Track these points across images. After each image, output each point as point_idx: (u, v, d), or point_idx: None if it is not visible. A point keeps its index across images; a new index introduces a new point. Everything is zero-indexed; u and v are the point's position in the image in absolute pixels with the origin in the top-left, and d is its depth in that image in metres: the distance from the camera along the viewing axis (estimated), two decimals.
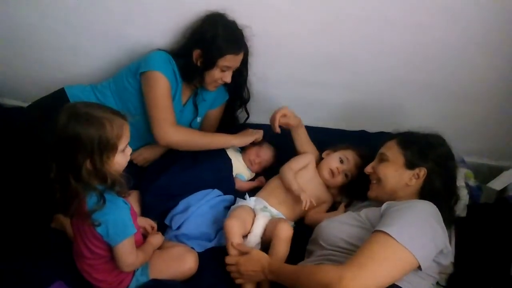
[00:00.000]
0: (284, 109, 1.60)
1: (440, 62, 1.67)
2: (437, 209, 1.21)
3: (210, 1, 1.57)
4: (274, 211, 1.50)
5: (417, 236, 1.11)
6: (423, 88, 1.77)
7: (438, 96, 1.78)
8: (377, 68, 1.73)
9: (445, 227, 1.20)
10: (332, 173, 1.58)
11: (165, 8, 1.63)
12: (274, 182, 1.59)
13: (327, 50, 1.70)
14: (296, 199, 1.50)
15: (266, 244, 1.41)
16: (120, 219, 1.16)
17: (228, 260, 1.35)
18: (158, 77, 1.53)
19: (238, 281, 1.32)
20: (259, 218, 1.45)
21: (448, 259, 1.21)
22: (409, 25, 1.57)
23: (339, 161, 1.59)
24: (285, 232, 1.35)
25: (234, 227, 1.38)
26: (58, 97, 1.62)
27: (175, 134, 1.55)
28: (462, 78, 1.71)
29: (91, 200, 1.13)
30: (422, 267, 1.09)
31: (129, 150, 1.18)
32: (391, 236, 1.07)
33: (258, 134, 1.72)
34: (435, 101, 1.80)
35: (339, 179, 1.59)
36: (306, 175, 1.59)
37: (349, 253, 1.21)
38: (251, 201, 1.52)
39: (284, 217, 1.50)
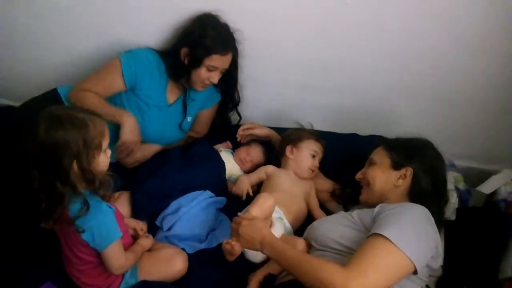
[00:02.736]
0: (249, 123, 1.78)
1: (432, 68, 1.68)
2: (429, 212, 1.23)
3: (205, 4, 1.58)
4: (287, 224, 1.48)
5: (414, 241, 1.12)
6: (414, 93, 1.78)
7: (429, 101, 1.80)
8: (370, 73, 1.74)
9: (437, 230, 1.21)
10: (312, 171, 1.64)
11: (160, 10, 1.63)
12: (274, 195, 1.54)
13: (321, 54, 1.71)
14: (297, 206, 1.54)
15: None
16: (104, 224, 1.16)
17: (235, 218, 1.30)
18: (114, 61, 1.57)
19: (233, 238, 1.27)
20: (277, 227, 1.43)
21: (438, 263, 1.23)
22: (402, 32, 1.58)
23: (311, 158, 1.63)
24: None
25: (267, 201, 1.34)
26: (51, 97, 1.61)
27: (74, 91, 1.58)
28: (453, 84, 1.72)
29: (74, 207, 1.12)
30: (418, 272, 1.11)
31: (109, 151, 1.18)
32: (391, 241, 1.08)
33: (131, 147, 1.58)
34: (426, 106, 1.82)
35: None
36: (281, 180, 1.60)
37: (339, 253, 1.22)
38: None
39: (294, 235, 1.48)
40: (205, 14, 1.59)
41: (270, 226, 1.40)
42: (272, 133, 1.80)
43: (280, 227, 1.44)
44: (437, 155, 1.39)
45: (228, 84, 1.74)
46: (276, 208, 1.45)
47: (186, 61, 1.58)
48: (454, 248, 1.56)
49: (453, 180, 1.64)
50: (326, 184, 1.68)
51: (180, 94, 1.71)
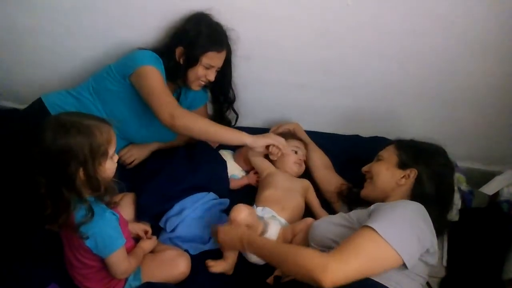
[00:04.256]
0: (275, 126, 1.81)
1: (434, 69, 1.68)
2: (425, 209, 1.23)
3: (206, 4, 1.58)
4: (282, 220, 1.50)
5: (402, 233, 1.13)
6: (416, 94, 1.78)
7: (431, 102, 1.79)
8: (371, 73, 1.74)
9: (432, 227, 1.21)
10: (299, 165, 1.71)
11: (162, 11, 1.63)
12: (268, 192, 1.58)
13: (322, 55, 1.71)
14: (292, 200, 1.55)
15: None
16: (107, 233, 1.16)
17: (212, 230, 1.42)
18: (150, 69, 1.51)
19: (219, 241, 1.37)
20: (272, 226, 1.45)
21: (435, 259, 1.22)
22: (404, 32, 1.57)
23: (294, 153, 1.70)
24: None
25: (242, 213, 1.37)
26: (37, 107, 1.58)
27: (182, 117, 1.44)
28: (456, 85, 1.72)
29: (79, 213, 1.13)
30: (407, 265, 1.11)
31: (116, 157, 1.19)
32: (377, 232, 1.09)
33: (276, 140, 1.54)
34: (429, 107, 1.81)
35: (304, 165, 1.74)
36: (275, 177, 1.63)
37: None
38: (258, 211, 1.52)
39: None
40: (198, 13, 1.59)
41: (264, 228, 1.43)
42: (297, 126, 1.83)
43: (275, 224, 1.45)
44: (447, 163, 1.40)
45: (222, 82, 1.73)
46: (268, 209, 1.50)
47: (181, 61, 1.58)
48: (457, 249, 1.57)
49: (456, 181, 1.64)
50: (336, 180, 1.68)
51: (172, 93, 1.71)
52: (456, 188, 1.61)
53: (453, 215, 1.58)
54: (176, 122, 1.43)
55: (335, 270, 1.04)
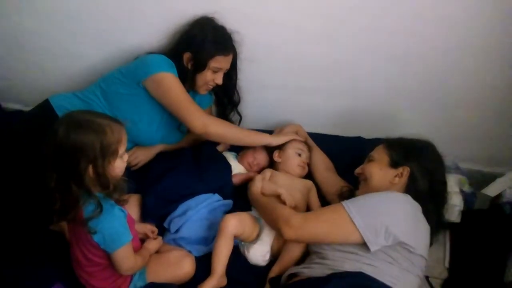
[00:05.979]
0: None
1: (437, 71, 1.69)
2: (412, 201, 1.27)
3: (210, 8, 1.59)
4: None
5: (363, 209, 1.21)
6: (418, 95, 1.78)
7: (433, 103, 1.80)
8: (374, 75, 1.75)
9: (418, 221, 1.24)
10: (302, 167, 1.72)
11: (166, 15, 1.65)
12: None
13: (325, 57, 1.71)
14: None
15: (276, 254, 1.45)
16: (115, 228, 1.18)
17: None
18: (169, 77, 1.52)
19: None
20: (266, 232, 1.47)
21: (418, 250, 1.22)
22: (407, 34, 1.58)
23: (297, 156, 1.71)
24: None
25: (231, 224, 1.40)
26: (44, 109, 1.59)
27: (214, 124, 1.56)
28: (458, 86, 1.72)
29: (88, 208, 1.14)
30: (364, 238, 1.17)
31: (126, 156, 1.20)
32: (342, 205, 1.23)
33: (294, 135, 1.75)
34: (431, 108, 1.82)
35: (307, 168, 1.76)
36: (278, 178, 1.64)
37: (333, 251, 1.26)
38: (255, 213, 1.53)
39: None
40: (202, 17, 1.60)
41: (258, 235, 1.46)
42: (299, 128, 1.85)
43: (269, 231, 1.46)
44: (437, 157, 1.41)
45: (227, 85, 1.75)
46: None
47: (189, 66, 1.59)
48: (459, 251, 1.57)
49: (458, 182, 1.64)
50: (337, 182, 1.69)
51: None
52: (458, 189, 1.62)
53: (455, 216, 1.58)
54: (210, 130, 1.53)
55: (295, 226, 1.23)
